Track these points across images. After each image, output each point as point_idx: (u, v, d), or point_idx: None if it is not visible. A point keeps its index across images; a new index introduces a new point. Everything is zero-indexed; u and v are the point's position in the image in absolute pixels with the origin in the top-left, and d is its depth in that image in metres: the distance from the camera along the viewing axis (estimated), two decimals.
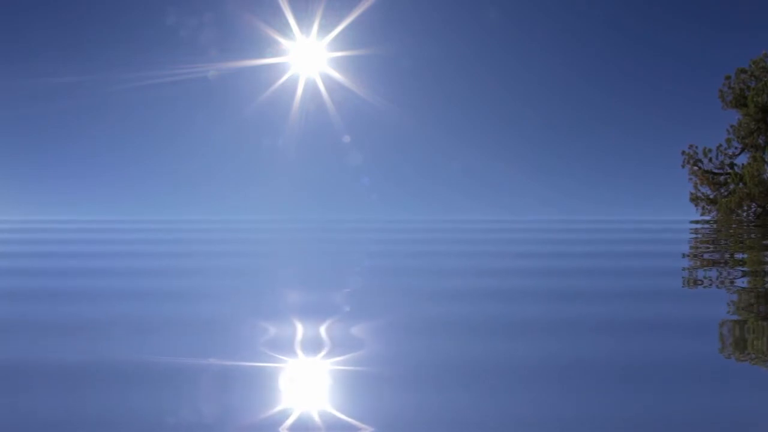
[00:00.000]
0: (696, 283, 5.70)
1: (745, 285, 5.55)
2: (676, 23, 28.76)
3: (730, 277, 6.12)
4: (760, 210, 23.87)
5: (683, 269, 6.97)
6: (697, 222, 20.11)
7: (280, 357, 3.11)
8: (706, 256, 8.58)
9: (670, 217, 25.61)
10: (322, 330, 3.69)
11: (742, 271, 6.73)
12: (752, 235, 13.20)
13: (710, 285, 5.49)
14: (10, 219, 22.97)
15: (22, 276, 6.50)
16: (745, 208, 24.07)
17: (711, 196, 24.67)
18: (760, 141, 24.44)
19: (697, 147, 24.63)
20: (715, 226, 17.78)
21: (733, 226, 15.92)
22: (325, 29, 19.79)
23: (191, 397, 2.55)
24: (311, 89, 21.35)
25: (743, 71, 24.64)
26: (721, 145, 24.70)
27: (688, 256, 8.78)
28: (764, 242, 11.08)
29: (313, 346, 3.34)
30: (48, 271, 6.91)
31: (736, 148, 24.70)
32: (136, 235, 14.64)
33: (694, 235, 13.90)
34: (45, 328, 3.73)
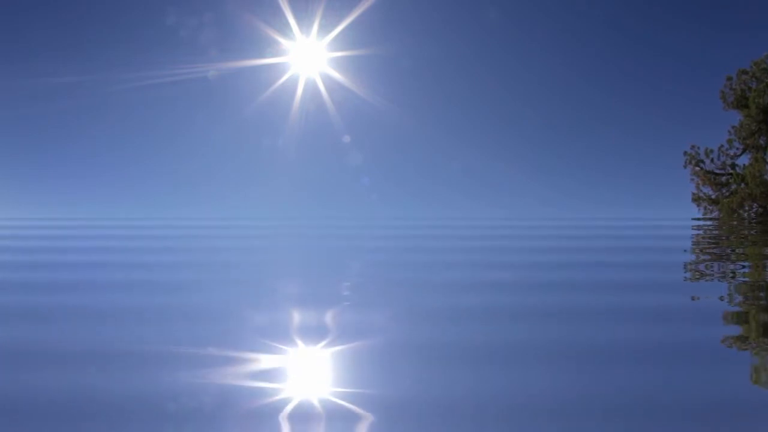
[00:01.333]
0: (696, 299, 5.65)
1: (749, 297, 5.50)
2: (676, 23, 28.71)
3: (734, 290, 6.06)
4: (761, 210, 23.89)
5: (684, 279, 6.92)
6: (698, 227, 20.04)
7: (272, 379, 3.07)
8: (702, 267, 8.52)
9: (670, 219, 25.54)
10: (318, 347, 3.65)
11: (745, 282, 6.68)
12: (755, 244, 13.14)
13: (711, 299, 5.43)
14: (11, 223, 22.91)
15: (21, 276, 6.45)
16: (746, 208, 24.08)
17: (713, 197, 24.68)
18: (761, 142, 24.43)
19: (699, 147, 24.67)
20: (716, 231, 17.71)
21: (733, 236, 15.85)
22: (325, 29, 19.75)
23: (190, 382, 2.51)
24: (311, 89, 21.31)
25: (744, 72, 24.64)
26: (722, 146, 24.74)
27: (690, 269, 8.72)
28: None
29: (307, 368, 3.30)
30: (44, 283, 6.85)
31: (737, 148, 24.72)
32: (136, 242, 14.59)
33: (693, 244, 13.83)
34: (42, 320, 3.69)
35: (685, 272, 7.73)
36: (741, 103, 24.92)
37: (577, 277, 7.16)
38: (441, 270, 8.14)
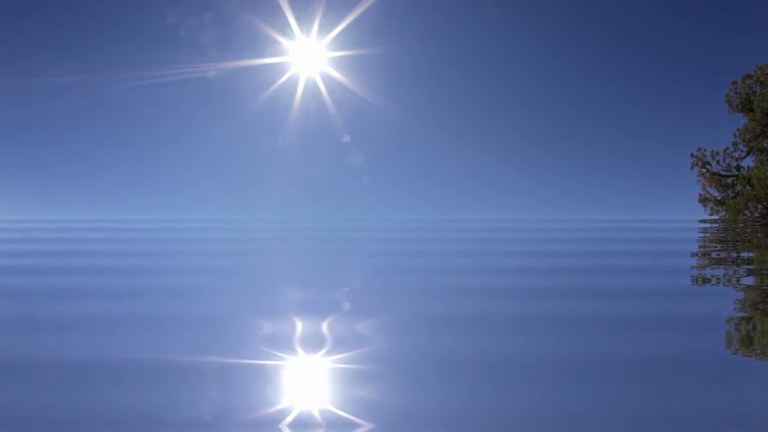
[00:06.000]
0: (704, 281, 5.57)
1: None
2: (679, 24, 28.68)
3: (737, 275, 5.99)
4: (765, 211, 23.99)
5: (692, 267, 6.84)
6: (705, 221, 20.03)
7: (281, 355, 3.02)
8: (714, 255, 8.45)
9: (673, 217, 25.58)
10: (323, 327, 3.60)
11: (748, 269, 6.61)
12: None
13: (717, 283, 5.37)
14: (11, 219, 22.94)
15: (26, 274, 6.43)
16: (751, 208, 24.19)
17: (719, 198, 24.79)
18: (766, 144, 24.52)
19: (705, 150, 24.77)
20: (720, 233, 17.67)
21: (738, 231, 15.80)
22: (325, 29, 19.69)
23: (191, 394, 2.45)
24: (311, 89, 21.24)
25: (749, 76, 24.80)
26: (727, 148, 24.82)
27: (697, 254, 8.65)
28: None
29: (314, 343, 3.25)
30: (49, 269, 6.84)
31: (742, 151, 24.80)
32: (137, 234, 14.58)
33: (702, 234, 13.78)
34: (47, 326, 3.65)
35: (695, 259, 7.67)
36: (746, 106, 25.03)
37: (579, 266, 7.10)
38: (444, 259, 8.08)
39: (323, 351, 3.10)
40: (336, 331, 3.48)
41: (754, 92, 24.58)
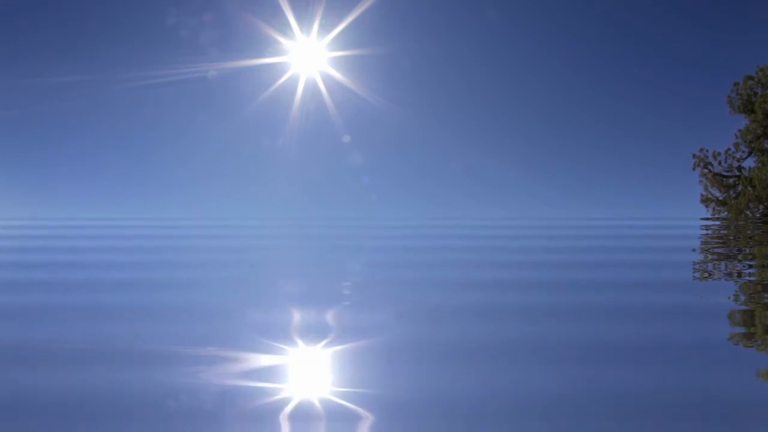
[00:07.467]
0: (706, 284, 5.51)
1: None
2: (679, 24, 28.59)
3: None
4: (766, 211, 24.03)
5: (693, 280, 6.79)
6: (705, 231, 19.99)
7: (276, 386, 2.96)
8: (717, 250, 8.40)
9: (673, 221, 25.57)
10: (318, 346, 3.55)
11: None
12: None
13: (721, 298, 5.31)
14: (10, 222, 22.90)
15: (19, 285, 6.38)
16: (752, 207, 24.25)
17: (720, 198, 24.86)
18: (767, 145, 24.55)
19: (707, 150, 24.86)
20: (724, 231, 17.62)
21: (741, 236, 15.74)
22: (325, 29, 19.64)
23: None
24: (311, 89, 21.20)
25: (750, 78, 24.86)
26: (729, 149, 24.90)
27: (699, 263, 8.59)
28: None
29: (308, 369, 3.20)
30: (44, 281, 6.78)
31: (743, 152, 24.87)
32: (137, 241, 14.54)
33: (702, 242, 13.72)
34: (42, 347, 3.61)
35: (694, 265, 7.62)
36: (747, 107, 25.07)
37: (583, 276, 7.03)
38: (442, 268, 8.03)
39: (316, 377, 3.06)
40: (328, 353, 3.43)
41: (756, 93, 24.64)
